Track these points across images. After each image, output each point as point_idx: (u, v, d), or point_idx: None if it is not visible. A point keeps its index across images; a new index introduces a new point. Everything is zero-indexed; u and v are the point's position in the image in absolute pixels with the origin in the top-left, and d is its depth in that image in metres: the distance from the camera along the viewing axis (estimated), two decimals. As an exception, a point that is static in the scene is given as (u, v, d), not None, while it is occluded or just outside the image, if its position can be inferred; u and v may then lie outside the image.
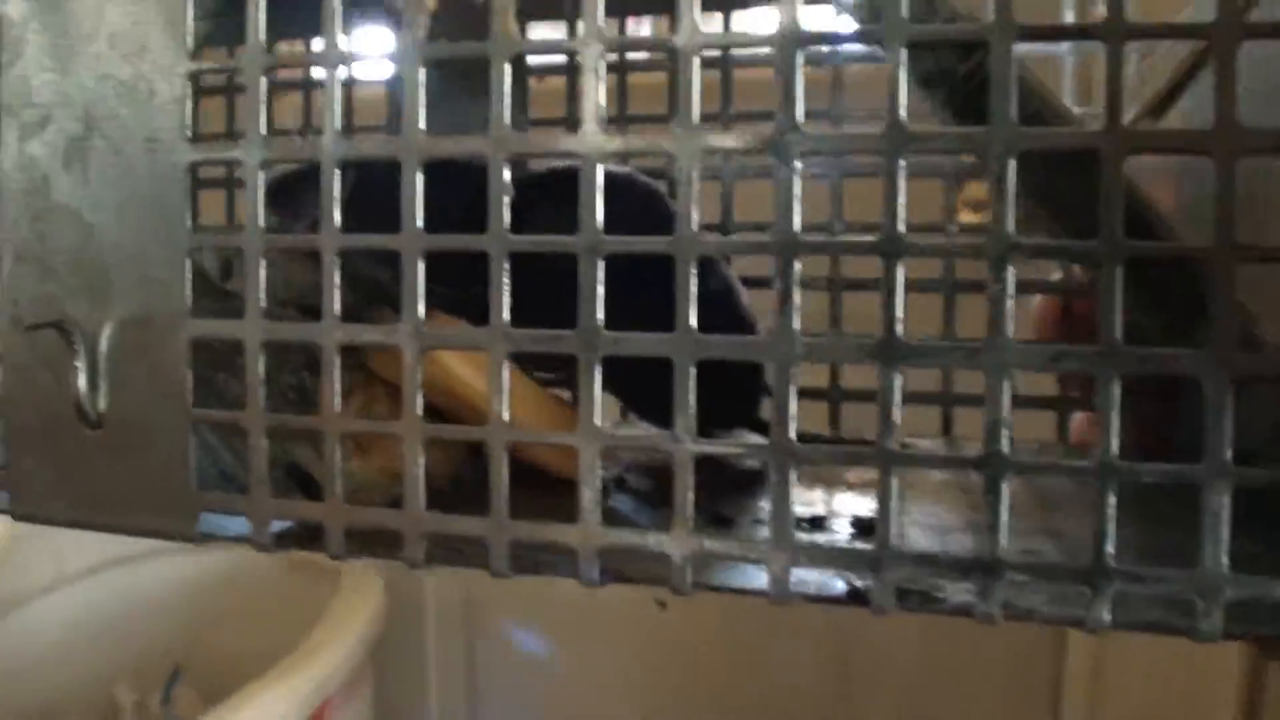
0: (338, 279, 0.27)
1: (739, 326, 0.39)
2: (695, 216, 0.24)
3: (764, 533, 0.24)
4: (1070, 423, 0.43)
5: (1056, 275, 0.42)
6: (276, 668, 0.83)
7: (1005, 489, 0.23)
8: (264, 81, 0.27)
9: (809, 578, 0.27)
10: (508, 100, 0.25)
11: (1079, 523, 0.33)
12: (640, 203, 0.38)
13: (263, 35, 0.27)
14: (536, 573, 0.29)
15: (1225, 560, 0.22)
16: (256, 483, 0.28)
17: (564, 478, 0.36)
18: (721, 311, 0.39)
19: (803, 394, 0.44)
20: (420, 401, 0.27)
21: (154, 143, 0.28)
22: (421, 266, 0.26)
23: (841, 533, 0.32)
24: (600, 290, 0.25)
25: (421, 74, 0.26)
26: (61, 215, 0.29)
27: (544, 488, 0.36)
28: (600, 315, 0.25)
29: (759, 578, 0.26)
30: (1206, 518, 0.22)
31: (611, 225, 0.25)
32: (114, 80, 0.28)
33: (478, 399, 0.35)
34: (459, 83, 0.40)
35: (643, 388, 0.36)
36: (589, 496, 0.26)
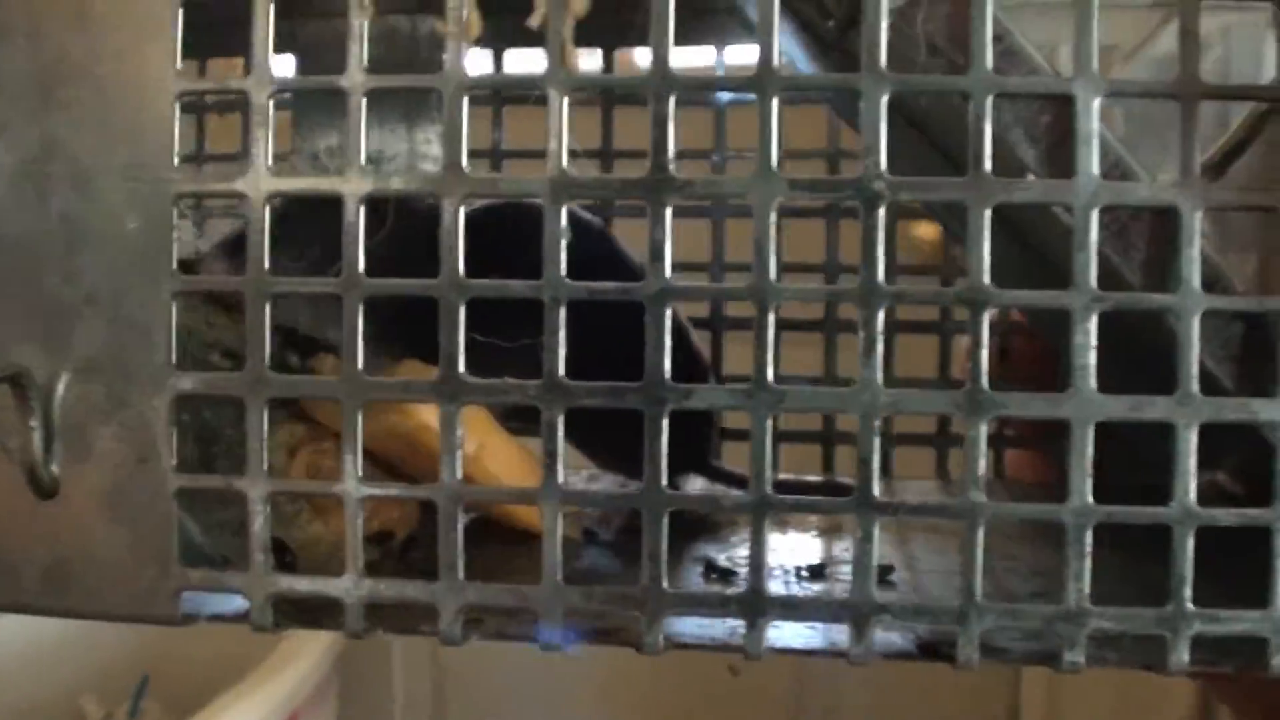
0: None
1: (692, 366, 0.38)
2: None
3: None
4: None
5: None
6: (245, 680, 0.82)
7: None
8: (271, 105, 0.24)
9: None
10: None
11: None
12: (592, 242, 0.37)
13: (270, 52, 0.24)
14: (496, 638, 0.27)
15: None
16: (256, 556, 0.25)
17: (528, 530, 0.34)
18: (676, 351, 0.37)
19: (788, 437, 0.44)
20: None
21: (135, 169, 0.25)
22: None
23: (844, 579, 0.31)
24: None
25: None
26: (11, 247, 0.25)
27: (513, 542, 0.34)
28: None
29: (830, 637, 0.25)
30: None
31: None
32: (83, 93, 0.25)
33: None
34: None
35: (599, 433, 0.35)
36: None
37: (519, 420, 0.40)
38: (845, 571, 0.32)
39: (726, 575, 0.31)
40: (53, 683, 1.00)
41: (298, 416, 0.32)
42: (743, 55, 0.44)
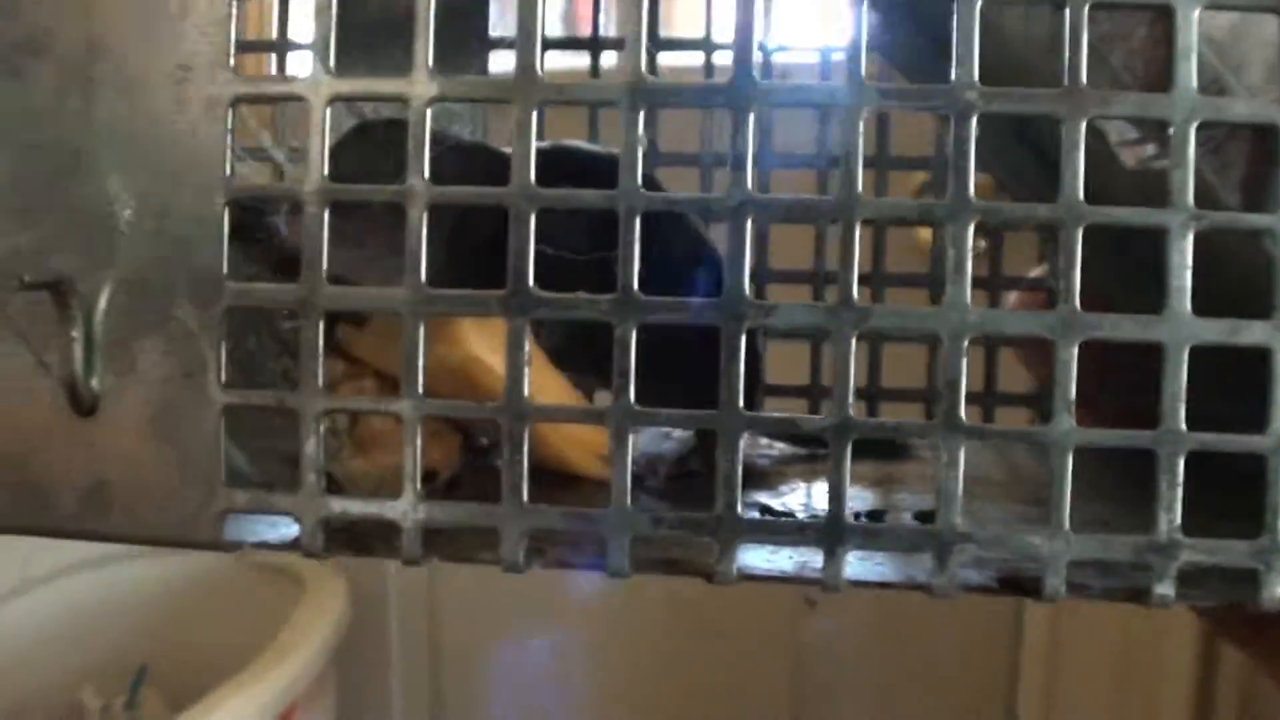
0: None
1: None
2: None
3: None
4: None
5: (1035, 272, 0.42)
6: (243, 672, 0.83)
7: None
8: (335, 2, 0.23)
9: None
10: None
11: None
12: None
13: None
14: (560, 566, 0.26)
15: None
16: (308, 477, 0.23)
17: (577, 474, 0.33)
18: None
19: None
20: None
21: (185, 70, 0.23)
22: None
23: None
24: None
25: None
26: (53, 153, 0.24)
27: (555, 486, 0.33)
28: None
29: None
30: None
31: None
32: (130, -8, 0.24)
33: (500, 385, 0.31)
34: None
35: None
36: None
37: (563, 369, 0.39)
38: (906, 518, 0.31)
39: (783, 518, 0.30)
40: (52, 673, 1.01)
41: (337, 353, 0.31)
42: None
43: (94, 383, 0.24)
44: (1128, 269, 0.28)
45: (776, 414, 0.24)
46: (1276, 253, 0.22)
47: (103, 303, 0.24)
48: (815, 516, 0.30)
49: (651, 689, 1.12)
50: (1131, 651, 0.88)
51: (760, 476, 0.34)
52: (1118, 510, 0.31)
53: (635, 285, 0.23)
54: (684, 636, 1.09)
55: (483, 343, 0.30)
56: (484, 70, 0.42)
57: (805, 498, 0.33)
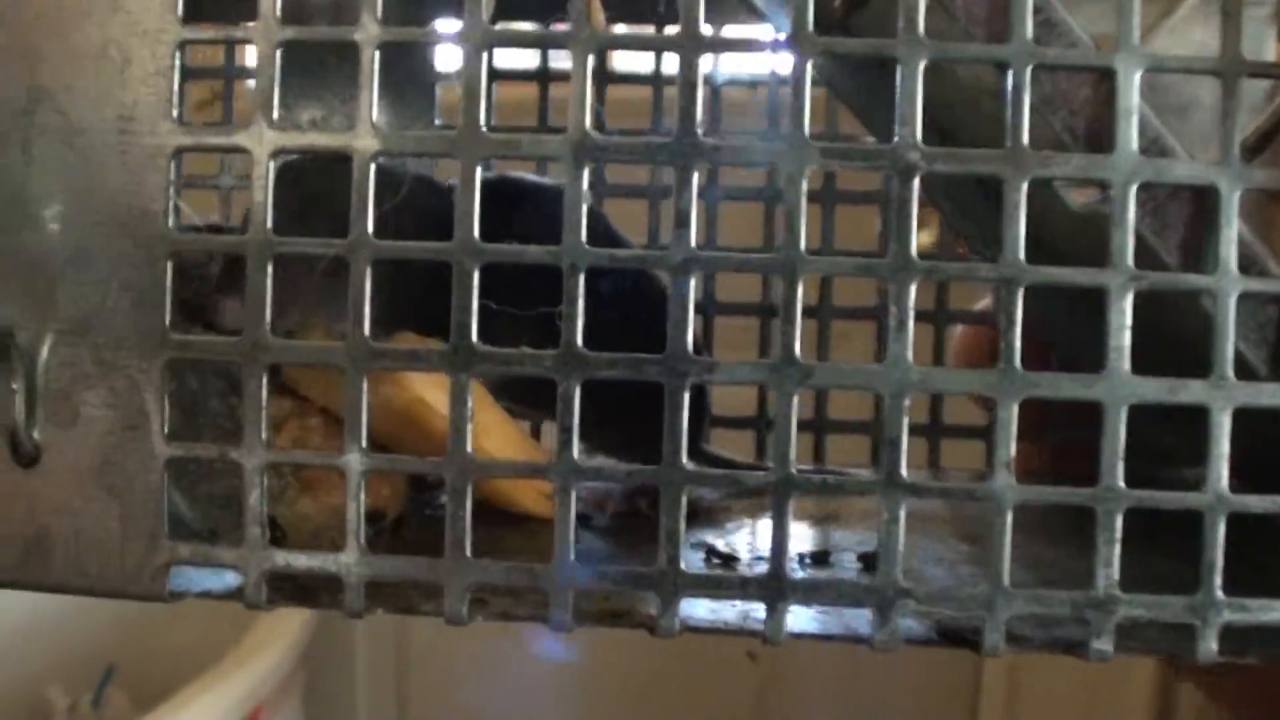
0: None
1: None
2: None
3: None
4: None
5: (982, 304, 0.43)
6: (210, 672, 0.82)
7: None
8: (279, 54, 0.23)
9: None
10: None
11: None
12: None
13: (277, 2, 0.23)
14: (502, 618, 0.26)
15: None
16: (251, 530, 0.23)
17: (529, 515, 0.33)
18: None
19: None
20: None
21: (127, 120, 0.23)
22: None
23: (848, 568, 0.31)
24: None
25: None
26: (-6, 201, 0.24)
27: (500, 524, 0.33)
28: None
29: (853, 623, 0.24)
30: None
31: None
32: (74, 42, 0.23)
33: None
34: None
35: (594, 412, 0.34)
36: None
37: (508, 399, 0.39)
38: (849, 559, 0.31)
39: (729, 561, 0.30)
40: (17, 672, 1.00)
41: (282, 390, 0.31)
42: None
43: (35, 434, 0.24)
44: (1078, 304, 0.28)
45: (719, 470, 0.24)
46: (1215, 313, 0.22)
47: (44, 353, 0.24)
48: (760, 558, 0.31)
49: (619, 688, 1.12)
50: (1093, 677, 0.89)
51: (706, 513, 0.34)
52: (1060, 552, 0.31)
53: (579, 341, 0.23)
54: (652, 640, 1.09)
55: (429, 384, 0.30)
56: (431, 104, 0.42)
57: (750, 537, 0.33)
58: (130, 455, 0.24)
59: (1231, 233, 0.22)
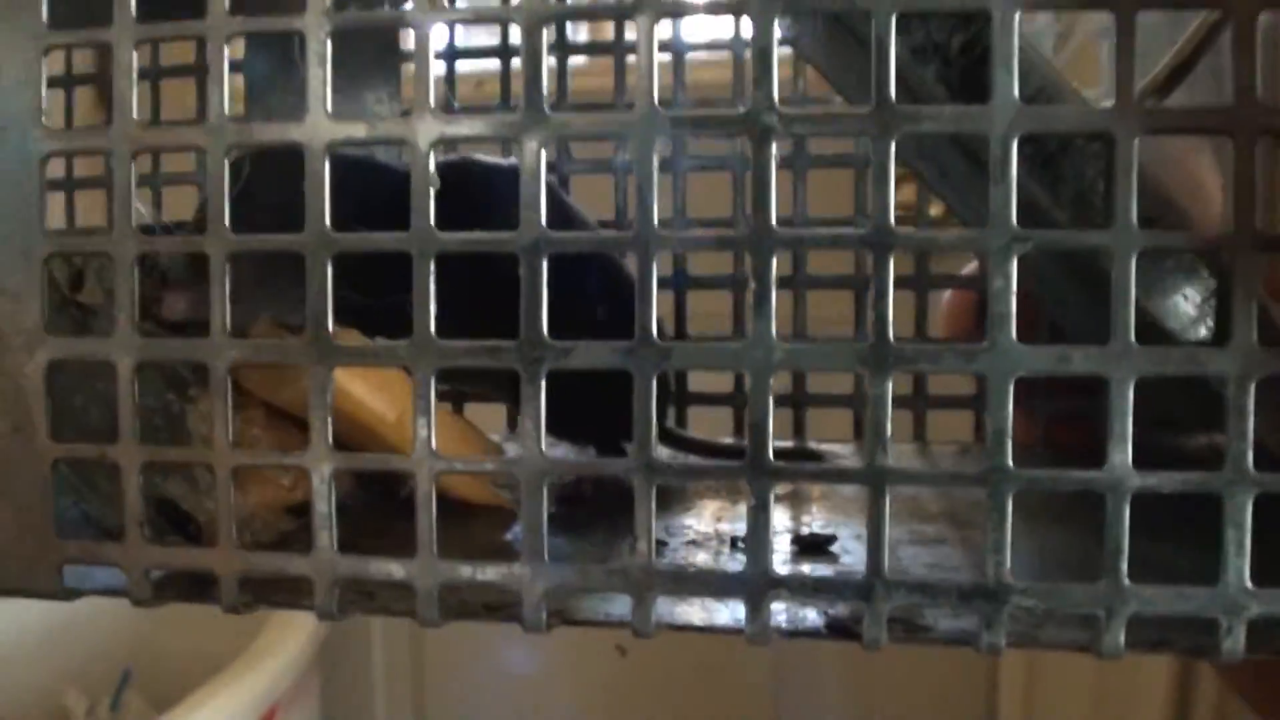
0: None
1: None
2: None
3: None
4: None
5: (970, 269, 0.40)
6: (225, 672, 0.83)
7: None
8: (134, 56, 0.23)
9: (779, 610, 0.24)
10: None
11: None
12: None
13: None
14: (472, 618, 0.25)
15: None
16: (132, 528, 0.23)
17: (477, 505, 0.33)
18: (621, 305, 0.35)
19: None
20: (328, 428, 0.23)
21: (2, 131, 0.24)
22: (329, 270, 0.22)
23: (783, 551, 0.29)
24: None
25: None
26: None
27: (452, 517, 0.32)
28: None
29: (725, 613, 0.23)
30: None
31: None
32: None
33: (374, 421, 0.31)
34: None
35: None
36: (535, 531, 0.22)
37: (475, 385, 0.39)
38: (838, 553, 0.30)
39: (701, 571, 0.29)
40: (36, 677, 1.01)
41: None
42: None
43: (-69, 438, 0.24)
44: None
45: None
46: (1114, 272, 0.20)
47: (-66, 360, 0.24)
48: (739, 546, 0.29)
49: (635, 687, 1.10)
50: (1107, 669, 0.84)
51: (679, 494, 0.33)
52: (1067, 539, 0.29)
53: (431, 328, 0.22)
54: (665, 639, 1.08)
55: (351, 377, 0.29)
56: (397, 81, 0.41)
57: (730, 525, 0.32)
58: (17, 457, 0.24)
59: (1130, 183, 0.20)
